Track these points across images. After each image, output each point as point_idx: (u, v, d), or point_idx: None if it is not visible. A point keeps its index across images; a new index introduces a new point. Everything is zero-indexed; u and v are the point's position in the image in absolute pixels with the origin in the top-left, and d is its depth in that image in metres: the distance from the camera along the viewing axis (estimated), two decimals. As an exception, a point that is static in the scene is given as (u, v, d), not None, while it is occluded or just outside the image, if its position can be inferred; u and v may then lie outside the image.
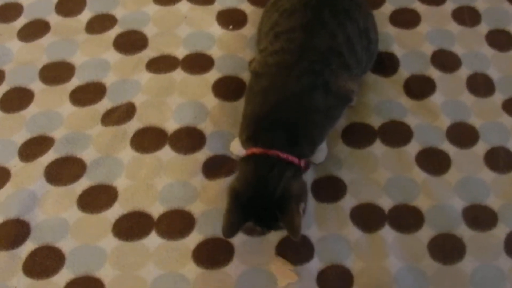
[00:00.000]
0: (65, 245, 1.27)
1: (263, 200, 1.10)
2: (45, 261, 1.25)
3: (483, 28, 1.61)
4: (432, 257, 1.28)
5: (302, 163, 1.18)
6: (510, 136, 1.44)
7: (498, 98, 1.49)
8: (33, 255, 1.26)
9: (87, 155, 1.38)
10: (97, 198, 1.32)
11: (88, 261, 1.25)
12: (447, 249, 1.29)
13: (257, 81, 1.22)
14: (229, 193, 1.12)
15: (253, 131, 1.18)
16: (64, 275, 1.23)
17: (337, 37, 1.21)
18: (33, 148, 1.38)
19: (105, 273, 1.23)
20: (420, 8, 1.63)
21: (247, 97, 1.26)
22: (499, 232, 1.31)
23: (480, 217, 1.33)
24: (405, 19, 1.62)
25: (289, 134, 1.16)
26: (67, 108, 1.45)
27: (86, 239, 1.28)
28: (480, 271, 1.27)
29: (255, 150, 1.15)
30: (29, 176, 1.35)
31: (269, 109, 1.17)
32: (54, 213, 1.31)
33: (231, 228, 1.10)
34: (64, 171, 1.36)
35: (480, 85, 1.51)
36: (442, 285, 1.25)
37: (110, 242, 1.27)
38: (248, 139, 1.18)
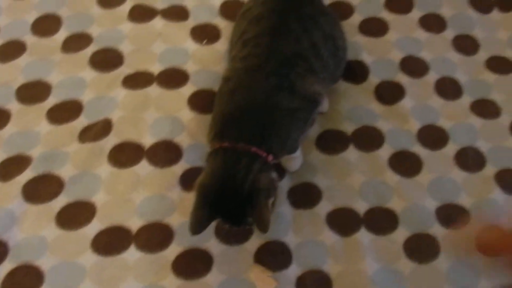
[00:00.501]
0: (44, 263, 1.27)
1: (231, 193, 1.10)
2: (24, 280, 1.24)
3: (449, 34, 1.64)
4: (408, 257, 1.30)
5: (270, 158, 1.17)
6: (478, 136, 1.47)
7: (466, 100, 1.53)
8: (11, 274, 1.25)
9: (65, 172, 1.38)
10: (75, 215, 1.33)
11: (68, 278, 1.25)
12: (422, 248, 1.31)
13: (226, 84, 1.24)
14: (197, 189, 1.12)
15: (220, 128, 1.19)
16: None
17: (302, 42, 1.24)
18: (10, 167, 1.39)
19: None
20: (388, 17, 1.67)
21: (216, 101, 1.26)
22: (472, 229, 1.31)
23: (452, 215, 1.35)
24: (374, 28, 1.65)
25: (256, 130, 1.16)
26: (44, 127, 1.45)
27: (65, 256, 1.28)
28: (455, 268, 1.29)
29: (223, 144, 1.15)
30: (7, 195, 1.35)
31: (236, 107, 1.19)
32: (33, 231, 1.30)
33: (198, 224, 1.10)
34: (42, 189, 1.36)
35: (448, 88, 1.54)
36: (419, 284, 1.27)
37: (89, 258, 1.27)
38: (215, 136, 1.19)
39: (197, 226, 1.10)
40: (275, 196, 1.17)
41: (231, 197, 1.11)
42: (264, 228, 1.09)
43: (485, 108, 1.52)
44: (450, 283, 1.27)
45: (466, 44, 1.63)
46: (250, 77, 1.22)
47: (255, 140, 1.15)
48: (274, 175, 1.18)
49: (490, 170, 1.42)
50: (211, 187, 1.11)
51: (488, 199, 1.38)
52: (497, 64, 1.60)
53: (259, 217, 1.09)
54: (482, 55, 1.61)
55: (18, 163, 1.40)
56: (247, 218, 1.12)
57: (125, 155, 1.41)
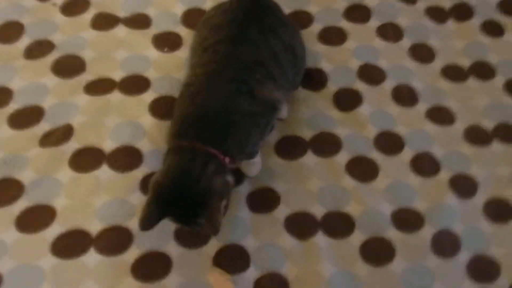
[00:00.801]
0: (3, 267, 1.27)
1: (184, 192, 1.11)
2: None
3: (406, 42, 1.68)
4: (364, 260, 1.32)
5: (227, 160, 1.19)
6: (433, 142, 1.50)
7: (421, 107, 1.56)
8: None
9: (25, 176, 1.39)
10: (35, 218, 1.33)
11: (26, 281, 1.26)
12: (378, 252, 1.34)
13: (187, 89, 1.26)
14: (151, 186, 1.13)
15: (178, 127, 1.21)
16: None
17: (262, 51, 1.27)
18: (-31, 171, 1.39)
19: None
20: (347, 26, 1.70)
21: (176, 105, 1.28)
22: (426, 233, 1.36)
23: (408, 219, 1.39)
24: (333, 36, 1.68)
25: (214, 131, 1.18)
26: (5, 132, 1.45)
27: (24, 259, 1.28)
28: (409, 271, 1.32)
29: (181, 142, 1.17)
30: None
31: (195, 109, 1.21)
32: None
33: (148, 220, 1.10)
34: (2, 192, 1.36)
35: (405, 95, 1.58)
36: (375, 286, 1.30)
37: (49, 261, 1.28)
38: (173, 136, 1.20)
39: (146, 222, 1.10)
40: (228, 200, 1.20)
41: (183, 196, 1.11)
42: (214, 231, 1.10)
43: (440, 115, 1.56)
44: (405, 286, 1.30)
45: (422, 53, 1.67)
46: (210, 82, 1.24)
47: (212, 141, 1.17)
48: (229, 178, 1.19)
49: (444, 175, 1.45)
50: (165, 185, 1.12)
51: (443, 203, 1.41)
52: (452, 72, 1.64)
53: (210, 220, 1.10)
54: (438, 63, 1.65)
55: (-23, 167, 1.40)
56: (198, 219, 1.12)
57: (86, 159, 1.42)
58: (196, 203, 1.11)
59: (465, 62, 1.66)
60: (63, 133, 1.46)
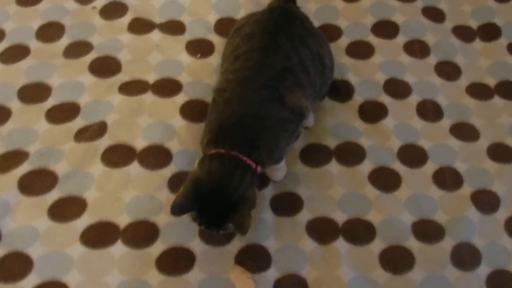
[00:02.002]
0: (34, 252, 1.31)
1: (221, 197, 1.17)
2: (14, 266, 1.29)
3: (432, 59, 1.70)
4: (383, 268, 1.33)
5: (259, 169, 1.24)
6: (456, 157, 1.51)
7: (446, 123, 1.57)
8: (2, 261, 1.29)
9: (60, 168, 1.43)
10: (67, 209, 1.37)
11: (55, 267, 1.29)
12: (397, 260, 1.35)
13: (220, 94, 1.30)
14: (191, 178, 1.19)
15: (214, 135, 1.25)
16: (32, 279, 1.27)
17: (291, 59, 1.31)
18: (8, 160, 1.44)
19: (71, 279, 1.28)
20: (374, 41, 1.73)
21: (210, 109, 1.33)
22: (446, 245, 1.37)
23: (428, 230, 1.39)
24: (360, 50, 1.70)
25: (248, 139, 1.23)
26: (43, 125, 1.51)
27: (54, 246, 1.32)
28: (428, 280, 1.32)
29: (219, 150, 1.21)
30: (3, 186, 1.39)
31: (230, 115, 1.25)
32: (25, 221, 1.35)
33: (180, 207, 1.16)
34: (37, 182, 1.41)
35: (429, 110, 1.59)
36: None
37: (78, 250, 1.32)
38: (209, 142, 1.25)
39: (178, 209, 1.16)
40: (254, 207, 1.24)
41: (219, 200, 1.18)
42: (243, 232, 1.16)
43: (464, 131, 1.56)
44: None
45: (448, 70, 1.68)
46: (243, 88, 1.29)
47: (246, 149, 1.22)
48: (256, 191, 1.27)
49: (466, 189, 1.46)
50: (206, 184, 1.18)
51: (463, 217, 1.41)
52: (477, 90, 1.65)
53: (241, 223, 1.16)
54: (463, 81, 1.66)
55: (15, 157, 1.45)
56: (227, 223, 1.18)
57: (117, 156, 1.46)
58: (229, 208, 1.17)
59: (490, 81, 1.67)
60: (97, 130, 1.50)
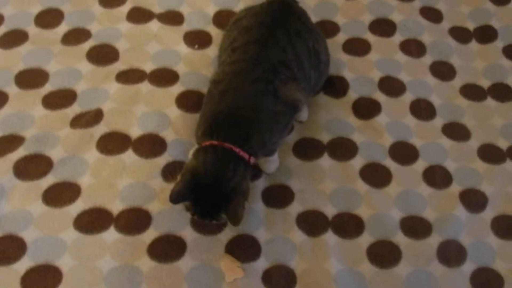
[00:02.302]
0: (28, 235, 1.33)
1: (215, 188, 1.20)
2: (8, 249, 1.31)
3: (428, 59, 1.72)
4: (370, 261, 1.36)
5: (252, 160, 1.26)
6: (447, 156, 1.53)
7: (438, 122, 1.60)
8: None
9: (55, 153, 1.45)
10: (61, 194, 1.39)
11: (49, 251, 1.31)
12: (384, 254, 1.37)
13: (215, 86, 1.32)
14: (188, 169, 1.21)
15: (209, 126, 1.27)
16: (25, 262, 1.29)
17: (287, 53, 1.33)
18: (3, 145, 1.45)
19: (64, 263, 1.30)
20: (371, 38, 1.75)
21: (205, 100, 1.35)
22: (433, 241, 1.39)
23: (416, 227, 1.42)
24: (357, 47, 1.72)
25: (241, 131, 1.25)
26: (39, 111, 1.52)
27: (48, 230, 1.34)
28: (414, 275, 1.35)
29: (213, 142, 1.24)
30: None
31: (225, 107, 1.27)
32: (20, 205, 1.37)
33: (178, 195, 1.18)
34: (32, 167, 1.42)
35: (422, 109, 1.61)
36: (378, 287, 1.33)
37: (71, 235, 1.33)
38: (204, 134, 1.27)
39: (175, 196, 1.18)
40: (247, 199, 1.27)
41: (214, 191, 1.20)
42: (236, 222, 1.19)
43: (456, 131, 1.59)
44: None
45: (443, 70, 1.71)
46: (238, 80, 1.30)
47: (239, 141, 1.24)
48: (249, 182, 1.29)
49: (455, 188, 1.49)
50: (201, 176, 1.20)
51: (451, 215, 1.44)
52: (471, 91, 1.67)
53: (234, 213, 1.19)
54: (458, 82, 1.69)
55: (11, 141, 1.46)
56: (220, 213, 1.21)
57: (112, 143, 1.48)
58: (223, 199, 1.20)
59: (484, 83, 1.69)
60: (93, 117, 1.52)
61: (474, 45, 1.78)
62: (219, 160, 1.22)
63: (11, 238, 1.32)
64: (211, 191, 1.20)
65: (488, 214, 1.45)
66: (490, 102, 1.66)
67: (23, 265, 1.29)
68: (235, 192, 1.20)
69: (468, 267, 1.37)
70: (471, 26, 1.82)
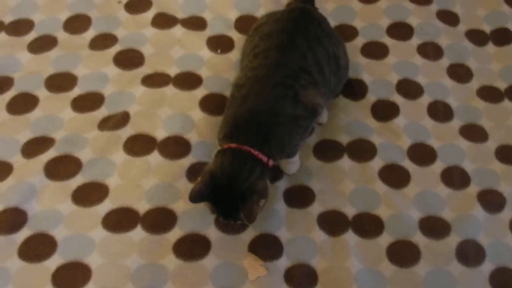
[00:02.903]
0: (58, 234, 1.37)
1: (231, 188, 1.24)
2: (39, 246, 1.34)
3: (445, 61, 1.73)
4: (390, 261, 1.37)
5: (270, 162, 1.30)
6: (464, 157, 1.55)
7: (455, 123, 1.61)
8: (28, 241, 1.35)
9: (84, 155, 1.49)
10: (90, 194, 1.43)
11: (78, 248, 1.35)
12: (403, 254, 1.38)
13: (238, 90, 1.36)
14: (207, 171, 1.26)
15: (229, 130, 1.31)
16: (56, 260, 1.33)
17: (307, 58, 1.36)
18: (34, 146, 1.50)
19: (93, 260, 1.33)
20: (389, 42, 1.77)
21: (228, 103, 1.38)
22: (451, 241, 1.40)
23: (434, 227, 1.42)
24: (375, 51, 1.75)
25: (260, 134, 1.29)
26: (68, 114, 1.56)
27: (77, 229, 1.38)
28: (433, 275, 1.35)
29: (231, 145, 1.28)
30: (30, 170, 1.45)
31: (245, 111, 1.31)
32: (50, 204, 1.41)
33: (196, 195, 1.23)
34: (62, 168, 1.47)
35: (440, 111, 1.63)
36: (398, 285, 1.33)
37: (99, 233, 1.37)
38: (224, 137, 1.31)
39: (194, 196, 1.23)
40: (266, 199, 1.30)
41: (230, 191, 1.24)
42: (250, 220, 1.22)
43: (473, 132, 1.60)
44: None
45: (460, 72, 1.72)
46: (259, 85, 1.34)
47: (258, 144, 1.28)
48: (268, 183, 1.32)
49: (473, 189, 1.49)
50: (218, 177, 1.25)
51: (469, 215, 1.44)
52: (488, 93, 1.68)
53: (248, 211, 1.22)
54: (475, 84, 1.70)
55: (42, 143, 1.51)
56: (239, 213, 1.24)
57: (139, 145, 1.52)
58: (239, 198, 1.23)
59: (501, 85, 1.70)
60: (120, 119, 1.56)
61: (490, 47, 1.79)
62: (235, 161, 1.26)
63: (42, 236, 1.37)
64: (227, 191, 1.24)
65: (506, 214, 1.46)
66: (507, 103, 1.67)
67: (54, 262, 1.33)
68: (250, 191, 1.24)
69: (486, 267, 1.37)
70: (487, 28, 1.84)
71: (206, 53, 1.72)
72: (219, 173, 1.25)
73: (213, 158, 1.30)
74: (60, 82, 1.64)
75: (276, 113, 1.31)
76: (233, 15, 1.81)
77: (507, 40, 1.81)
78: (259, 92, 1.33)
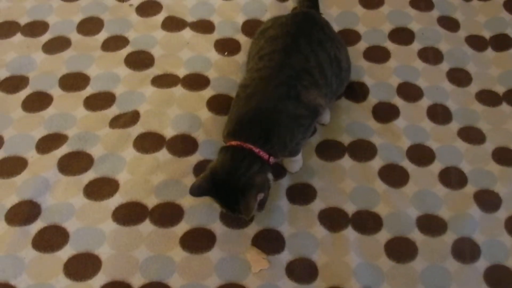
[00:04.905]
0: (70, 226, 1.42)
1: (230, 183, 1.29)
2: (52, 238, 1.40)
3: (445, 66, 1.76)
4: (388, 256, 1.40)
5: (271, 159, 1.35)
6: (462, 158, 1.57)
7: (454, 126, 1.64)
8: (42, 232, 1.41)
9: (95, 151, 1.54)
10: (100, 188, 1.48)
11: (89, 240, 1.40)
12: (401, 250, 1.42)
13: (243, 90, 1.41)
14: (209, 167, 1.32)
15: (233, 127, 1.37)
16: (67, 251, 1.38)
17: (309, 61, 1.41)
18: (48, 142, 1.55)
19: (103, 251, 1.38)
20: (391, 46, 1.81)
21: (233, 103, 1.43)
22: (448, 238, 1.43)
23: (431, 224, 1.45)
24: (377, 55, 1.78)
25: (263, 132, 1.33)
26: (81, 112, 1.62)
27: (88, 222, 1.43)
28: (429, 270, 1.38)
29: (233, 142, 1.34)
30: (44, 165, 1.51)
31: (249, 110, 1.36)
32: (63, 198, 1.46)
33: (197, 189, 1.29)
34: (74, 163, 1.52)
35: (439, 114, 1.66)
36: (395, 280, 1.37)
37: (109, 226, 1.42)
38: (228, 134, 1.37)
39: (195, 190, 1.30)
40: (267, 194, 1.35)
41: (228, 186, 1.29)
42: (247, 214, 1.28)
43: (471, 134, 1.62)
44: (423, 284, 1.37)
45: (459, 76, 1.74)
46: (263, 85, 1.39)
47: (260, 142, 1.33)
48: (270, 176, 1.36)
49: (470, 189, 1.52)
50: (218, 172, 1.30)
51: (466, 214, 1.47)
52: (486, 97, 1.71)
53: (246, 204, 1.27)
54: (473, 88, 1.72)
55: (56, 139, 1.56)
56: (237, 205, 1.29)
57: (148, 142, 1.57)
58: (237, 192, 1.28)
59: (499, 89, 1.73)
60: (130, 118, 1.61)
61: (489, 52, 1.82)
62: (234, 157, 1.31)
63: (55, 228, 1.42)
64: (226, 186, 1.29)
65: (502, 214, 1.48)
66: (505, 107, 1.69)
67: (66, 253, 1.38)
68: (248, 185, 1.28)
69: (481, 264, 1.40)
70: (487, 34, 1.86)
71: (213, 55, 1.77)
72: (219, 169, 1.31)
73: (217, 157, 1.36)
74: (73, 81, 1.69)
75: (278, 112, 1.36)
76: (240, 19, 1.86)
77: (506, 45, 1.84)
78: (262, 92, 1.38)
